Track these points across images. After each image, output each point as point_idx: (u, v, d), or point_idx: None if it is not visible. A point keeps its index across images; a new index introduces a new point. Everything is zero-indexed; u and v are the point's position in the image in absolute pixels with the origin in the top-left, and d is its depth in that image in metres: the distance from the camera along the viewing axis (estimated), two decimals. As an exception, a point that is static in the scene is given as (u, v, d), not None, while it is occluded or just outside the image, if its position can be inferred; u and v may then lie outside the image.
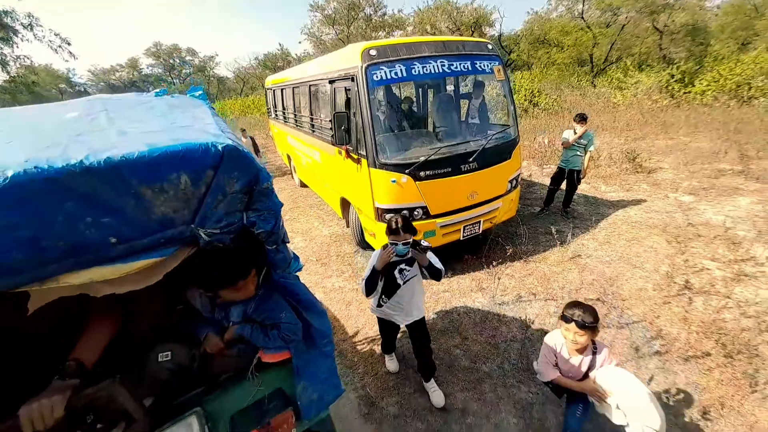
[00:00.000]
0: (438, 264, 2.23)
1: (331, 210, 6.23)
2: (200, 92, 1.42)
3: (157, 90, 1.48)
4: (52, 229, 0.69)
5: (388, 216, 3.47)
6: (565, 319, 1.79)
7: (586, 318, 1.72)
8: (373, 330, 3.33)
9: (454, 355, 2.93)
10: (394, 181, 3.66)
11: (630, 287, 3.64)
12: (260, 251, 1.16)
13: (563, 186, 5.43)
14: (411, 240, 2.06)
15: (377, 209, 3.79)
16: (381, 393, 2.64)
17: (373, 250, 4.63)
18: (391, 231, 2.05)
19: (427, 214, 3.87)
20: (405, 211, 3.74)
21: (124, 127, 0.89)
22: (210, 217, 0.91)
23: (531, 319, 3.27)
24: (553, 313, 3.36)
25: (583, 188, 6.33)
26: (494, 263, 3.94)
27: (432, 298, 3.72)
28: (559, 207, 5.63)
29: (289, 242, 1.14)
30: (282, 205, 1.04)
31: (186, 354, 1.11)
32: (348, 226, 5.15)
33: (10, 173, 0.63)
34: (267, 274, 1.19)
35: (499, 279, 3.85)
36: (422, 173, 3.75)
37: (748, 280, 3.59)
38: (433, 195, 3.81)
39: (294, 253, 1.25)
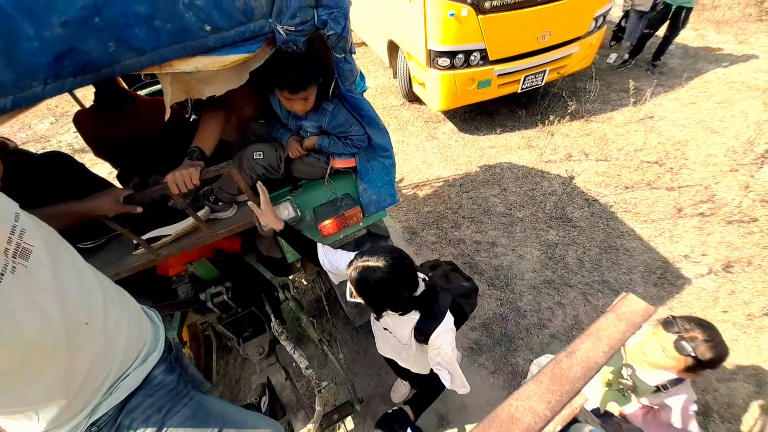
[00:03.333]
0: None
1: (376, 59, 5.72)
2: None
3: None
4: (158, 6, 0.75)
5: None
6: (670, 327, 1.13)
7: (705, 352, 1.05)
8: (417, 177, 3.56)
9: (491, 203, 3.16)
10: (452, 14, 3.15)
11: (698, 153, 3.36)
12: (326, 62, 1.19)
13: (660, 31, 4.39)
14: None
15: (430, 52, 3.42)
16: (422, 226, 3.04)
17: (421, 103, 4.44)
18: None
19: (485, 59, 3.46)
20: (460, 54, 3.35)
21: None
22: (285, 12, 0.91)
23: (575, 177, 3.27)
24: (601, 172, 3.30)
25: (685, 36, 5.10)
26: (550, 120, 3.68)
27: (477, 153, 3.74)
28: (647, 59, 4.71)
29: (354, 53, 1.13)
30: (351, 3, 0.99)
31: (274, 155, 1.33)
32: (395, 77, 4.81)
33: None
34: (334, 89, 1.25)
35: (552, 136, 3.67)
36: (487, 3, 3.15)
37: None
38: (496, 34, 3.30)
39: (360, 72, 1.26)
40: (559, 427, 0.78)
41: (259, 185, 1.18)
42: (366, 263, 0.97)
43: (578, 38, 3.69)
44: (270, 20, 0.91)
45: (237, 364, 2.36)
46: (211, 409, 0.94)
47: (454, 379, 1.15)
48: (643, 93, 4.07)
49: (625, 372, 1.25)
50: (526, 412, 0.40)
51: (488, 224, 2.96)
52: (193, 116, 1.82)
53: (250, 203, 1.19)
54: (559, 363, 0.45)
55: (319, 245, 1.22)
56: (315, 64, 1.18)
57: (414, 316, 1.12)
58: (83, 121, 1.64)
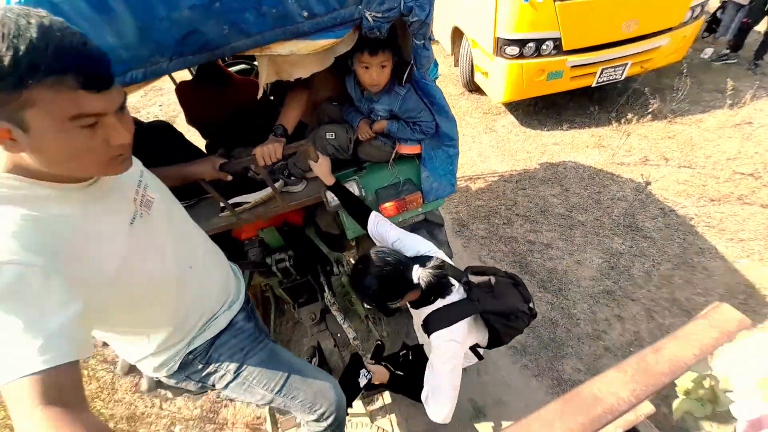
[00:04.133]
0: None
1: (436, 46, 5.59)
2: None
3: None
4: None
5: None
6: None
7: None
8: (471, 170, 3.48)
9: (549, 202, 3.00)
10: (526, 0, 2.98)
11: (810, 166, 2.88)
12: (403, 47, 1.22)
13: (762, 26, 3.76)
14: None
15: (498, 40, 3.28)
16: (472, 219, 2.99)
17: (482, 94, 4.29)
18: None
19: (558, 49, 3.24)
20: (531, 43, 3.17)
21: None
22: (374, -1, 0.95)
23: (650, 183, 2.98)
24: (683, 181, 2.97)
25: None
26: (627, 119, 3.37)
27: (538, 149, 3.55)
28: (749, 57, 4.08)
29: (434, 39, 1.15)
30: (438, -10, 1.01)
31: (345, 136, 1.40)
32: (456, 65, 4.69)
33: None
34: (409, 74, 1.27)
35: (627, 136, 3.36)
36: (567, -12, 2.93)
37: None
38: (574, 21, 3.07)
39: (435, 59, 1.27)
40: (620, 431, 0.76)
41: None
42: (357, 267, 1.05)
43: (670, 29, 3.29)
44: (360, 7, 0.96)
45: (289, 326, 2.55)
46: (281, 356, 1.07)
47: (432, 397, 1.06)
48: (741, 95, 3.54)
49: (706, 383, 1.16)
50: (609, 395, 0.40)
51: (544, 224, 2.83)
52: (271, 97, 1.95)
53: (311, 152, 1.29)
54: (644, 357, 0.45)
55: (374, 212, 1.30)
56: (392, 41, 1.21)
57: (428, 309, 1.11)
58: (184, 92, 1.86)
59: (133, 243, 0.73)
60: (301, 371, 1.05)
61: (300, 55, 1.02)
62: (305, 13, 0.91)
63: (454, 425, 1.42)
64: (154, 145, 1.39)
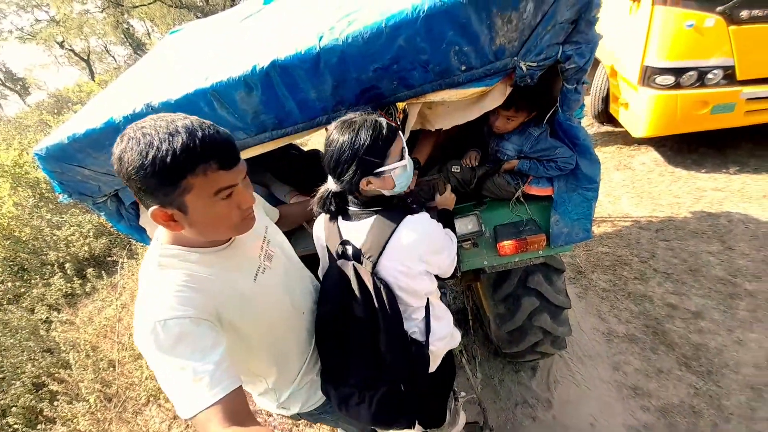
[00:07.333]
0: None
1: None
2: None
3: None
4: (436, 54, 0.95)
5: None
6: None
7: None
8: (597, 211, 3.10)
9: (703, 261, 2.45)
10: (690, 25, 2.60)
11: None
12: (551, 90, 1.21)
13: None
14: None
15: (646, 69, 2.91)
16: (592, 267, 2.65)
17: (616, 125, 3.84)
18: None
19: (729, 78, 2.70)
20: (692, 72, 2.71)
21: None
22: (533, 50, 0.98)
23: None
24: None
25: None
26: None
27: (690, 194, 2.96)
28: None
29: (587, 83, 1.11)
30: (601, 37, 0.98)
31: (468, 172, 1.47)
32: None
33: (426, 5, 0.86)
34: (551, 116, 1.26)
35: (835, 188, 2.55)
36: (745, 12, 2.46)
37: None
38: (754, 47, 2.54)
39: (583, 101, 1.23)
40: None
41: None
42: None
43: None
44: (516, 58, 1.00)
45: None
46: None
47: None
48: None
49: None
50: None
51: (694, 288, 2.32)
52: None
53: (440, 185, 1.39)
54: None
55: None
56: (538, 93, 1.22)
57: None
58: None
59: (257, 292, 0.86)
60: None
61: (446, 107, 1.12)
62: (463, 67, 1.00)
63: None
64: (311, 171, 1.68)
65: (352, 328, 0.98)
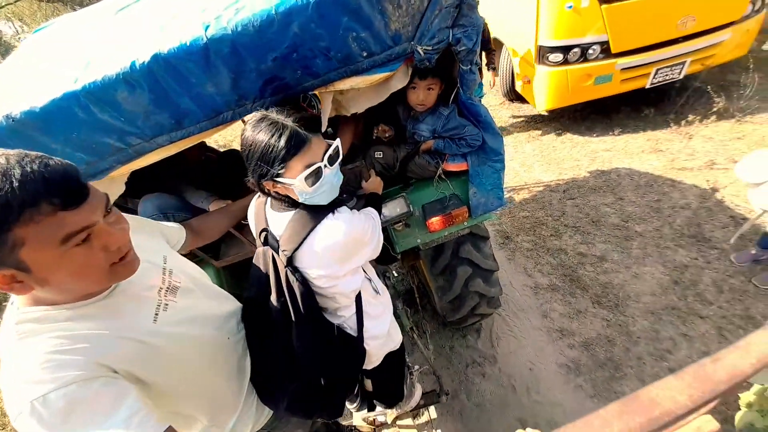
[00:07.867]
0: None
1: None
2: None
3: None
4: (335, 40, 0.95)
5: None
6: None
7: None
8: (514, 180, 3.43)
9: (602, 212, 2.86)
10: (570, 6, 2.95)
11: None
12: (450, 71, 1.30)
13: None
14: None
15: (540, 48, 3.25)
16: (516, 231, 2.94)
17: (523, 102, 4.23)
18: None
19: (606, 52, 3.13)
20: (576, 49, 3.09)
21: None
22: (426, 34, 1.04)
23: (718, 189, 2.73)
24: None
25: None
26: (688, 120, 3.14)
27: (587, 156, 3.41)
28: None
29: (480, 64, 1.21)
30: (484, 20, 1.07)
31: (391, 155, 1.51)
32: (495, 74, 4.67)
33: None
34: (455, 96, 1.35)
35: (689, 139, 3.13)
36: (615, -8, 2.86)
37: None
38: (623, 23, 2.97)
39: (480, 80, 1.34)
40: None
41: None
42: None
43: (731, 23, 3.05)
44: (412, 42, 1.05)
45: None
46: None
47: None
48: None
49: None
50: (667, 399, 0.43)
51: (597, 236, 2.71)
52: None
53: (365, 172, 1.41)
54: (702, 366, 0.46)
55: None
56: (441, 73, 1.30)
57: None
58: None
59: (162, 334, 0.74)
60: None
61: (357, 91, 1.14)
62: (364, 53, 1.02)
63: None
64: (228, 172, 1.59)
65: (272, 315, 0.96)
